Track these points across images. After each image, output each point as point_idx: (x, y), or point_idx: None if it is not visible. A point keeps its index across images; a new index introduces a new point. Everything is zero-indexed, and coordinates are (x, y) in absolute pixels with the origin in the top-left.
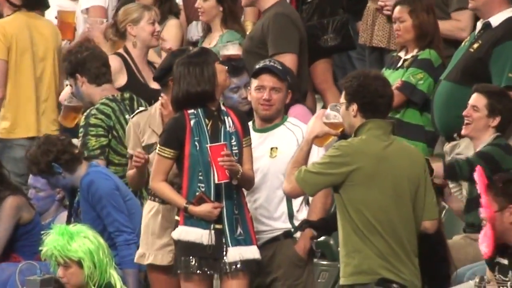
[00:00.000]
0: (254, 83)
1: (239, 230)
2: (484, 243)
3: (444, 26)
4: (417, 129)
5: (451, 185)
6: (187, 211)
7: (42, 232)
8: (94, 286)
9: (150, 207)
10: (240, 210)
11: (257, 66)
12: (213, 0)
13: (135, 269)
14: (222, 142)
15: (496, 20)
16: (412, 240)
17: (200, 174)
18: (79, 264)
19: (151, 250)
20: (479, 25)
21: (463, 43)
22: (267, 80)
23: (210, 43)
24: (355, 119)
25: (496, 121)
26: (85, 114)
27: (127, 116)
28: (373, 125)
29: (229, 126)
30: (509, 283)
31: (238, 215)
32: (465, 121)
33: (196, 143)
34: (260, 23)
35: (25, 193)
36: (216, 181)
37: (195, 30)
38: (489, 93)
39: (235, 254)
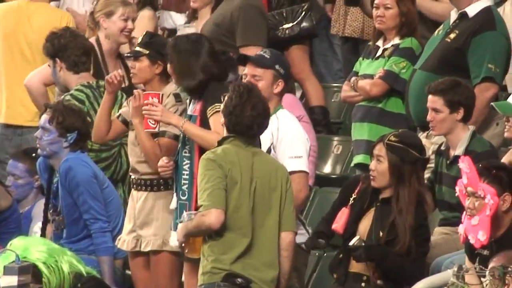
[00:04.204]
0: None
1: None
2: (480, 231)
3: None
4: (399, 118)
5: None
6: None
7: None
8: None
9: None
10: None
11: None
12: None
13: (110, 256)
14: None
15: (472, 10)
16: (271, 243)
17: None
18: None
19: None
20: (453, 14)
21: (436, 32)
22: (248, 67)
23: (198, 28)
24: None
25: (461, 113)
26: (59, 100)
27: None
28: (237, 138)
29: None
30: (487, 271)
31: None
32: (431, 124)
33: None
34: (227, 11)
35: (1, 180)
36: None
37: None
38: (443, 91)
39: None
